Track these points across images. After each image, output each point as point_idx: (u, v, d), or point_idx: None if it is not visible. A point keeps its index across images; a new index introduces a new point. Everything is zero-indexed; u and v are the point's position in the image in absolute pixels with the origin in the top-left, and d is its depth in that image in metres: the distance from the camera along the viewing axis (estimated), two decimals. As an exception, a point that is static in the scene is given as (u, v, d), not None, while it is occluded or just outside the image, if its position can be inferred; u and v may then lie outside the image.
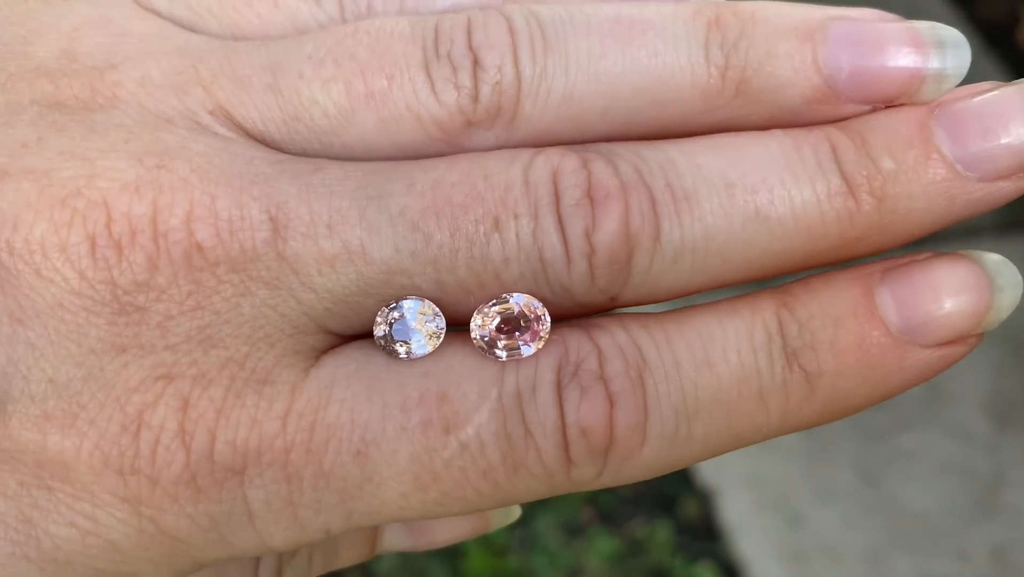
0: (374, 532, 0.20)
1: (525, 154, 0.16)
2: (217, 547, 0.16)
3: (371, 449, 0.15)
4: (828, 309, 0.16)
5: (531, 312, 0.16)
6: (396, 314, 0.16)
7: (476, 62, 0.16)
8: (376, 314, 0.16)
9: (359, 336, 0.16)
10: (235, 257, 0.15)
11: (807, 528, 0.87)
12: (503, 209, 0.16)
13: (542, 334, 0.16)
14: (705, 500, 0.89)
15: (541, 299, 0.16)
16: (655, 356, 0.16)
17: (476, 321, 0.16)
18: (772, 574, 0.86)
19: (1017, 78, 0.17)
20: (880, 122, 0.16)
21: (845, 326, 0.16)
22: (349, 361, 0.16)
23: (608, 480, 0.16)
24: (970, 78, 0.17)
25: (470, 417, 0.15)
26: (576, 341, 0.16)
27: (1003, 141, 0.16)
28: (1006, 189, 0.16)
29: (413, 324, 0.16)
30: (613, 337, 0.16)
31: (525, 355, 0.16)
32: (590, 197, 0.16)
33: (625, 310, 0.17)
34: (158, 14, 0.17)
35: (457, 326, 0.16)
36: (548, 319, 0.16)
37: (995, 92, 0.16)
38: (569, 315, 0.16)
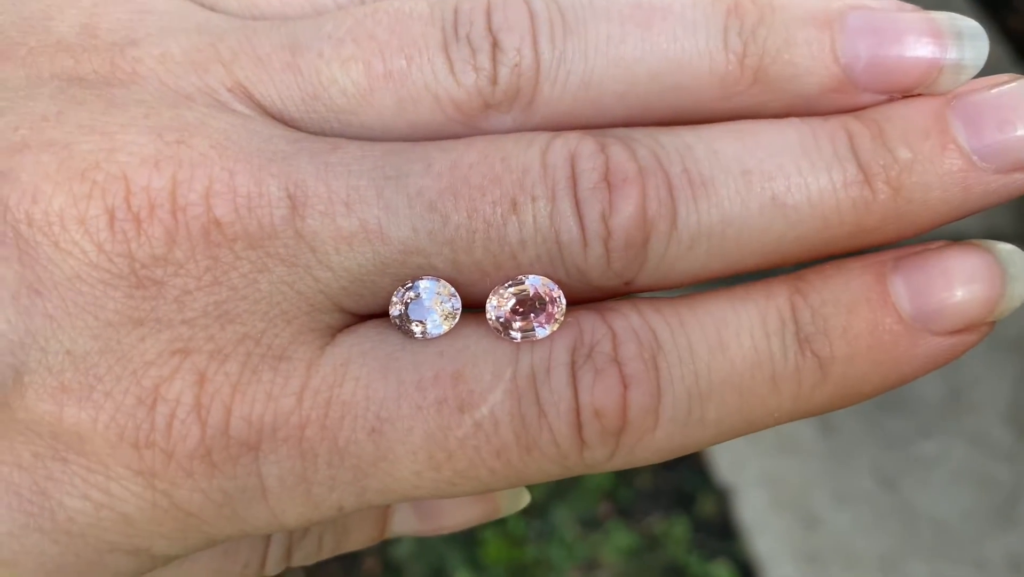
0: (384, 515, 0.20)
1: (543, 137, 0.16)
2: (230, 523, 0.16)
3: (386, 427, 0.15)
4: (841, 296, 0.16)
5: (547, 294, 0.16)
6: (412, 294, 0.16)
7: (495, 44, 0.16)
8: (392, 293, 0.16)
9: (375, 315, 0.16)
10: (253, 233, 0.15)
11: (824, 530, 0.87)
12: (520, 191, 0.16)
13: (557, 316, 0.16)
14: (722, 498, 0.89)
15: (556, 281, 0.16)
16: (669, 339, 0.16)
17: (492, 302, 0.16)
18: (787, 575, 0.85)
19: (1048, 89, 0.17)
20: (897, 112, 0.16)
21: (858, 312, 0.16)
22: (365, 340, 0.16)
23: (620, 462, 0.16)
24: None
25: (484, 397, 0.15)
26: (591, 324, 0.16)
27: (1020, 133, 0.16)
28: (1022, 181, 0.16)
29: (429, 304, 0.16)
30: (627, 320, 0.16)
31: (540, 337, 0.16)
32: (607, 181, 0.16)
33: (640, 296, 0.17)
34: None
35: (472, 308, 0.16)
36: (563, 301, 0.16)
37: (1013, 84, 0.16)
38: (584, 298, 0.16)
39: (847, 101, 0.17)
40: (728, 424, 0.16)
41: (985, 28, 0.17)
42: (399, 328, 0.16)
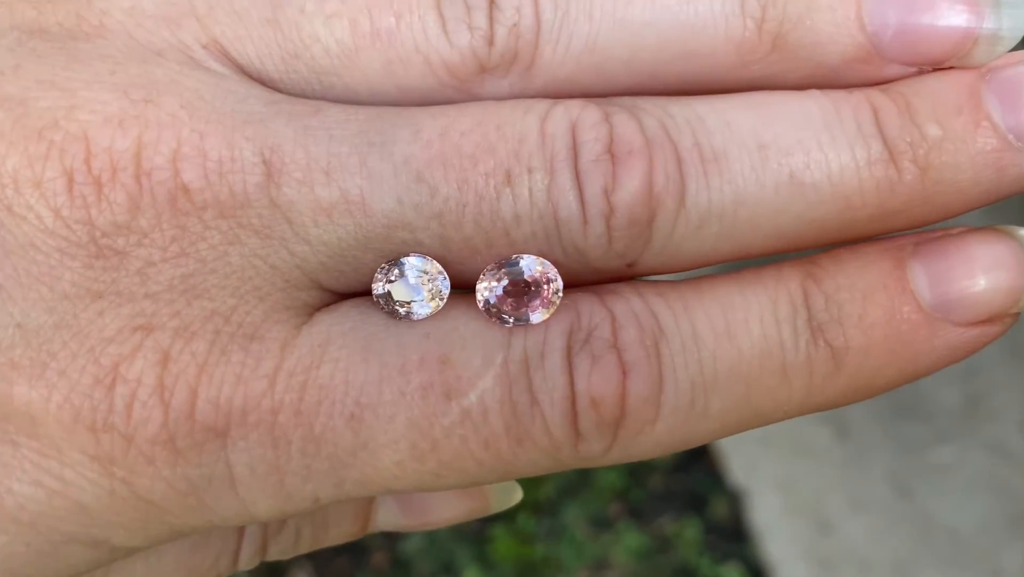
0: (366, 508, 0.20)
1: (542, 104, 0.15)
2: (196, 514, 0.15)
3: (366, 413, 0.14)
4: (857, 282, 0.15)
5: (542, 276, 0.15)
6: (397, 271, 0.15)
7: (492, 2, 0.15)
8: (375, 270, 0.15)
9: (356, 294, 0.15)
10: (224, 201, 0.14)
11: (837, 536, 0.86)
12: (516, 162, 0.15)
13: (552, 300, 0.15)
14: (735, 501, 0.88)
15: (553, 262, 0.15)
16: (672, 325, 0.15)
17: (482, 283, 0.15)
18: (799, 581, 0.85)
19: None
20: (927, 85, 0.15)
21: (874, 300, 0.15)
22: (345, 319, 0.15)
23: (617, 456, 0.15)
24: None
25: (473, 383, 0.15)
26: (589, 307, 0.15)
27: None
28: None
29: (415, 282, 0.15)
30: (628, 304, 0.15)
31: (534, 322, 0.15)
32: (611, 153, 0.15)
33: (642, 280, 0.16)
34: None
35: (462, 288, 0.15)
36: (560, 283, 0.15)
37: None
38: (582, 281, 0.16)
39: (873, 73, 0.16)
40: (734, 417, 0.15)
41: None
42: (382, 308, 0.15)
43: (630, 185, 0.15)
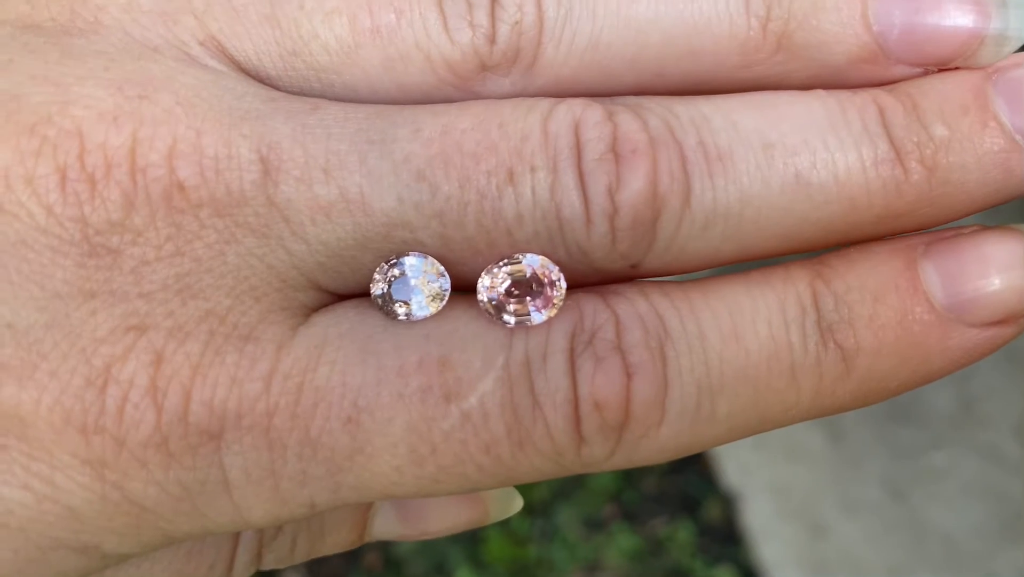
0: (363, 516, 0.19)
1: (545, 103, 0.15)
2: (189, 519, 0.15)
3: (363, 416, 0.14)
4: (867, 282, 0.15)
5: (545, 276, 0.15)
6: (396, 271, 0.15)
7: None
8: (374, 271, 0.15)
9: (354, 295, 0.15)
10: (220, 199, 0.14)
11: (830, 539, 0.86)
12: (519, 161, 0.14)
13: (555, 301, 0.15)
14: (728, 504, 0.88)
15: (555, 262, 0.15)
16: (678, 326, 0.15)
17: (484, 282, 0.15)
18: (792, 585, 0.84)
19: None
20: (933, 86, 0.15)
21: (885, 301, 0.15)
22: (342, 320, 0.15)
23: (621, 460, 0.15)
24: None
25: (474, 385, 0.14)
26: (592, 308, 0.15)
27: None
28: None
29: (414, 283, 0.15)
30: (633, 305, 0.15)
31: (536, 322, 0.15)
32: (615, 152, 0.15)
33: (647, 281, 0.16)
34: None
35: (462, 289, 0.15)
36: (563, 284, 0.15)
37: None
38: (585, 282, 0.15)
39: (878, 73, 0.16)
40: (741, 420, 0.15)
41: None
42: (381, 309, 0.15)
43: (634, 184, 0.14)
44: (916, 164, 0.15)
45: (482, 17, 0.15)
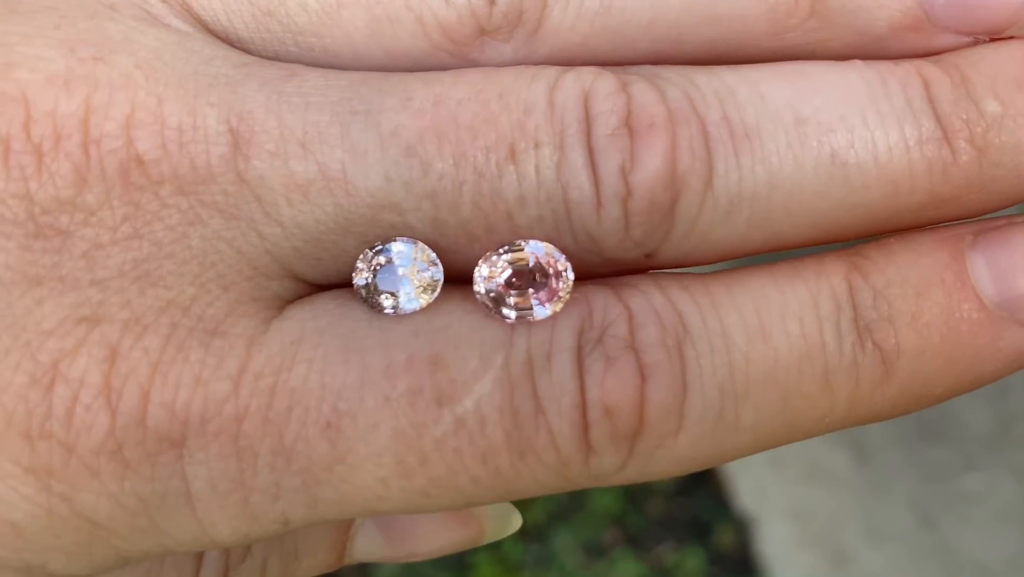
0: (343, 535, 0.18)
1: (550, 71, 0.14)
2: (146, 536, 0.13)
3: (345, 422, 0.13)
4: (909, 275, 0.14)
5: (550, 265, 0.14)
6: (382, 259, 0.13)
7: None
8: (357, 258, 0.14)
9: (335, 286, 0.14)
10: (184, 176, 0.13)
11: (853, 569, 0.84)
12: (521, 135, 0.13)
13: (561, 294, 0.13)
14: (742, 529, 0.86)
15: (562, 250, 0.14)
16: (698, 323, 0.14)
17: (481, 271, 0.14)
18: (811, 615, 0.83)
19: None
20: (984, 57, 0.15)
21: (930, 296, 0.14)
22: (322, 313, 0.14)
23: (633, 473, 0.14)
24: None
25: (469, 387, 0.13)
26: (602, 301, 0.14)
27: None
28: None
29: (403, 272, 0.13)
30: (648, 299, 0.14)
31: (539, 317, 0.13)
32: (629, 127, 0.14)
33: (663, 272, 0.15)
34: None
35: (457, 280, 0.14)
36: (571, 275, 0.14)
37: None
38: (594, 273, 0.14)
39: (923, 42, 0.15)
40: (768, 429, 0.14)
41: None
42: (365, 300, 0.14)
43: (650, 163, 0.13)
44: (965, 144, 0.14)
45: None
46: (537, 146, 0.13)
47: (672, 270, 0.15)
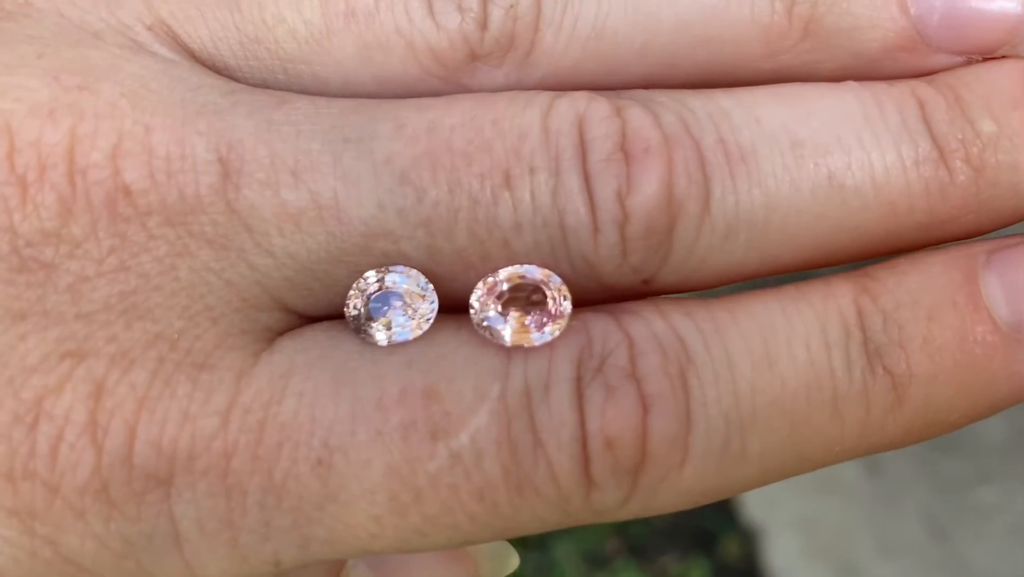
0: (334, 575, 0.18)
1: (544, 97, 0.14)
2: None
3: (336, 458, 0.13)
4: (920, 297, 0.14)
5: (548, 289, 0.13)
6: (375, 288, 0.13)
7: None
8: (349, 288, 0.13)
9: (325, 318, 0.14)
10: (172, 206, 0.13)
11: (864, 583, 0.83)
12: (516, 161, 0.13)
13: (560, 320, 0.13)
14: (749, 540, 0.84)
15: (559, 276, 0.13)
16: (702, 350, 0.13)
17: (478, 292, 0.13)
18: (817, 632, 0.82)
19: None
20: (977, 76, 0.15)
21: (942, 319, 0.14)
22: (312, 345, 0.13)
23: (637, 508, 0.13)
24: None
25: (464, 420, 0.13)
26: (602, 329, 0.13)
27: None
28: None
29: (396, 301, 0.13)
30: (648, 325, 0.13)
31: (537, 343, 0.13)
32: (624, 151, 0.13)
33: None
34: None
35: (451, 310, 0.14)
36: (569, 301, 0.13)
37: None
38: (591, 301, 0.14)
39: (917, 63, 0.15)
40: (776, 460, 0.14)
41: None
42: (356, 331, 0.13)
43: (647, 188, 0.13)
44: (962, 164, 0.14)
45: (472, 0, 0.14)
46: (532, 172, 0.13)
47: (671, 296, 0.14)
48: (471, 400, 0.13)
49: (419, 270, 0.13)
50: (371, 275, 0.13)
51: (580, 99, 0.14)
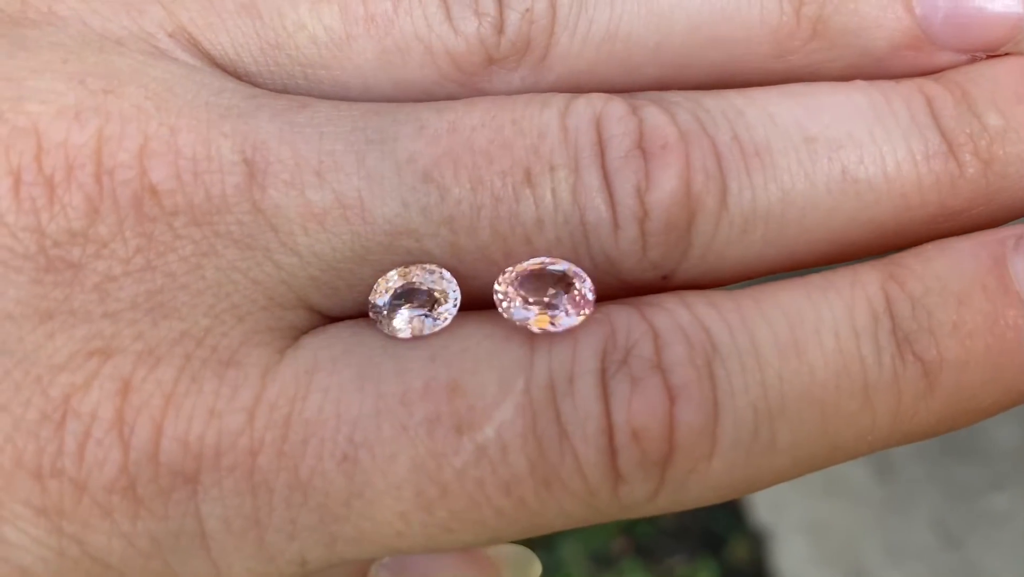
0: None
1: (560, 97, 0.14)
2: None
3: (361, 453, 0.13)
4: (949, 283, 0.14)
5: (572, 278, 0.13)
6: (400, 284, 0.13)
7: None
8: (372, 286, 0.13)
9: (349, 317, 0.14)
10: (198, 206, 0.13)
11: (873, 587, 0.83)
12: (536, 159, 0.13)
13: (583, 305, 0.13)
14: (757, 543, 0.83)
15: None
16: (728, 340, 0.13)
17: (502, 280, 0.13)
18: (828, 638, 0.81)
19: None
20: (982, 73, 0.15)
21: (972, 304, 0.14)
22: (336, 342, 0.13)
23: (666, 502, 0.13)
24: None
25: (489, 414, 0.13)
26: (626, 320, 0.13)
27: None
28: None
29: (420, 297, 0.13)
30: (673, 316, 0.13)
31: (564, 326, 0.13)
32: (642, 148, 0.14)
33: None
34: None
35: (474, 307, 0.14)
36: (591, 287, 0.13)
37: None
38: (611, 297, 0.14)
39: (922, 61, 0.15)
40: (807, 450, 0.13)
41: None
42: (380, 327, 0.13)
43: (666, 184, 0.13)
44: (970, 157, 0.14)
45: (489, 4, 0.14)
46: (552, 169, 0.13)
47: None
48: (495, 393, 0.13)
49: (442, 267, 0.13)
50: (394, 272, 0.13)
51: (597, 99, 0.14)
